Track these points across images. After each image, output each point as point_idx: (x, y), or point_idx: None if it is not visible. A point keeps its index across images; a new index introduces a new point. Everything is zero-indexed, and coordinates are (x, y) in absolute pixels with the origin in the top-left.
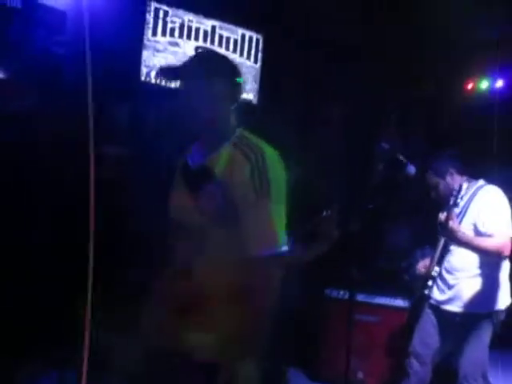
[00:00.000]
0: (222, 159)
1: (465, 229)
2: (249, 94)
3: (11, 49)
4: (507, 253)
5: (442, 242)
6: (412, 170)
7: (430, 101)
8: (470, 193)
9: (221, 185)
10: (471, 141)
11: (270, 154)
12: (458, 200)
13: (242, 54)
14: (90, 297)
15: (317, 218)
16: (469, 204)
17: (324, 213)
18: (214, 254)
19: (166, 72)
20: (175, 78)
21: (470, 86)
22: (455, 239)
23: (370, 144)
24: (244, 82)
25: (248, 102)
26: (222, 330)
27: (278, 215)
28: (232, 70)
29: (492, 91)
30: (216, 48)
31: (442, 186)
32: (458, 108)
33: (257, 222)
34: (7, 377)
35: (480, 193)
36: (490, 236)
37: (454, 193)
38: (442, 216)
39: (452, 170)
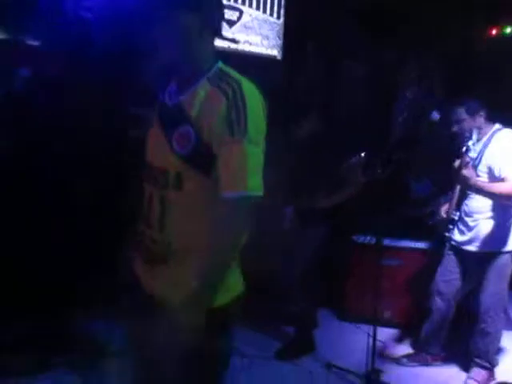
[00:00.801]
0: (198, 96)
1: (481, 172)
2: (273, 50)
3: (42, 16)
4: None
5: (458, 187)
6: (436, 115)
7: (453, 54)
8: (486, 136)
9: (194, 125)
10: (494, 87)
11: (249, 88)
12: (470, 146)
13: (264, 11)
14: None
15: (346, 164)
16: (485, 148)
17: (353, 158)
18: (187, 200)
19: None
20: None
21: (494, 32)
22: (468, 186)
23: (393, 97)
24: (267, 38)
25: (272, 58)
26: (185, 282)
27: (254, 157)
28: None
29: None
30: (239, 5)
31: (467, 123)
32: (483, 55)
33: (229, 161)
34: None
35: (496, 136)
36: (503, 180)
37: (466, 139)
38: (456, 163)
39: (482, 113)
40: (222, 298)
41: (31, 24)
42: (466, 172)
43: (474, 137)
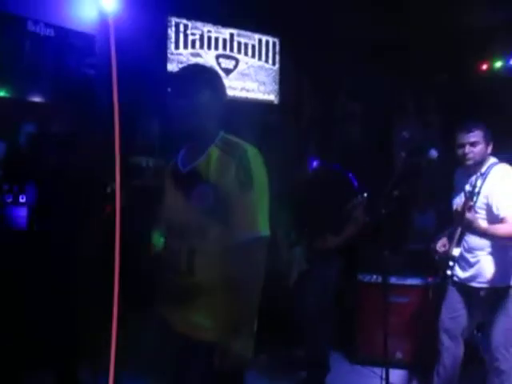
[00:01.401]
0: (210, 163)
1: (479, 208)
2: (270, 95)
3: (47, 74)
4: None
5: (459, 228)
6: (434, 153)
7: (445, 86)
8: (482, 170)
9: (211, 185)
10: (489, 120)
11: (251, 151)
12: (474, 189)
13: (260, 58)
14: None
15: (350, 204)
16: (482, 183)
17: (356, 199)
18: (211, 247)
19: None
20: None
21: (484, 67)
22: (470, 229)
23: (391, 134)
24: (263, 84)
25: (269, 103)
26: (216, 313)
27: (261, 204)
28: (217, 80)
29: (507, 70)
30: (235, 54)
31: (480, 147)
32: (474, 90)
33: (241, 211)
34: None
35: (492, 172)
36: (502, 220)
37: (471, 181)
38: (459, 206)
39: (491, 143)
40: (215, 336)
41: (35, 81)
42: (469, 215)
43: (479, 182)
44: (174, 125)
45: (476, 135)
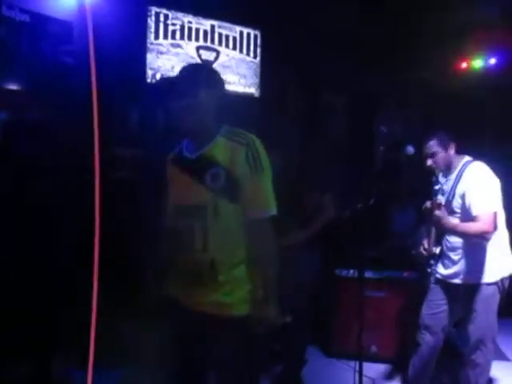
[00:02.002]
0: (219, 148)
1: (456, 208)
2: (251, 88)
3: (22, 61)
4: (491, 233)
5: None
6: (410, 149)
7: (426, 83)
8: (457, 169)
9: (223, 168)
10: (466, 119)
11: (257, 140)
12: (440, 187)
13: (241, 51)
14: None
15: (313, 200)
16: (457, 181)
17: (319, 195)
18: (226, 225)
19: (163, 85)
20: (170, 88)
21: (463, 65)
22: (440, 226)
23: (371, 129)
24: (244, 76)
25: (250, 96)
26: (241, 288)
27: (268, 186)
28: (214, 77)
29: (486, 69)
30: (216, 46)
31: (440, 156)
32: (453, 87)
33: (253, 192)
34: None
35: (467, 170)
36: (474, 218)
37: (435, 178)
38: (428, 203)
39: (452, 145)
40: (242, 309)
41: (10, 68)
42: (438, 213)
43: (441, 178)
44: (175, 123)
45: (432, 146)
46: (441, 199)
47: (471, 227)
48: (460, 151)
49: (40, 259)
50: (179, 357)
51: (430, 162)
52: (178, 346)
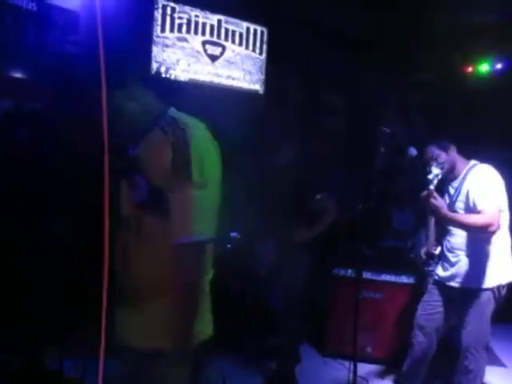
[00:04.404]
0: (148, 147)
1: (459, 208)
2: (255, 85)
3: (27, 50)
4: (496, 227)
5: (432, 221)
6: (413, 152)
7: (429, 86)
8: (462, 173)
9: (145, 173)
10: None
11: (196, 130)
12: (432, 177)
13: (247, 47)
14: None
15: (313, 201)
16: (462, 184)
17: (317, 196)
18: (148, 244)
19: None
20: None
21: (469, 69)
22: (440, 216)
23: (373, 129)
24: (249, 73)
25: (254, 92)
26: (153, 317)
27: (200, 200)
28: (141, 92)
29: (492, 74)
30: (222, 41)
31: (443, 157)
32: (458, 92)
33: (175, 208)
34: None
35: (472, 172)
36: (478, 212)
37: (428, 168)
38: (424, 193)
39: (453, 147)
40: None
41: (15, 56)
42: (434, 202)
43: (436, 170)
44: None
45: (432, 150)
46: (446, 200)
47: (472, 218)
48: (464, 155)
49: (29, 247)
50: None
51: (434, 164)
52: None
